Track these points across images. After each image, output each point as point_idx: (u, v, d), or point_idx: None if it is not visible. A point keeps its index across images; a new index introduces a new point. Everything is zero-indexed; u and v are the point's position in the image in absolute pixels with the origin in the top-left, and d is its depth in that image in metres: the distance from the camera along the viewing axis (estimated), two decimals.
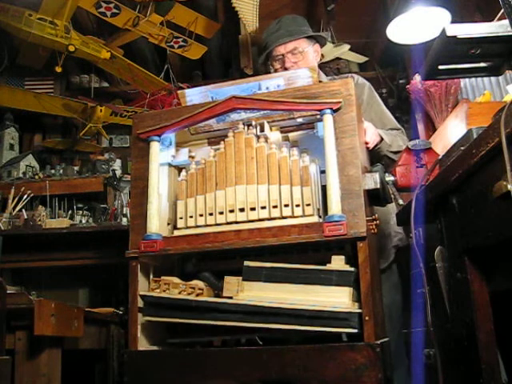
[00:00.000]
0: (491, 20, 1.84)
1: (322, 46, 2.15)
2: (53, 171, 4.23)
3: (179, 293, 1.34)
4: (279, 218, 1.32)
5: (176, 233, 1.41)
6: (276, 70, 2.07)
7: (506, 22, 1.04)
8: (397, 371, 1.67)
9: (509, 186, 0.83)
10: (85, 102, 4.15)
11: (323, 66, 4.05)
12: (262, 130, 1.43)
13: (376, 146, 1.78)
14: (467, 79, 2.63)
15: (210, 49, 4.30)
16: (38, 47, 3.74)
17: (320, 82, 2.01)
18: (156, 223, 1.39)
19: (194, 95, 1.52)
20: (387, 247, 1.98)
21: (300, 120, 1.47)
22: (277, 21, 2.08)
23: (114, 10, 3.58)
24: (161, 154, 1.47)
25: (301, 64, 2.01)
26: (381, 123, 1.99)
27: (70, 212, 3.83)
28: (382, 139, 1.80)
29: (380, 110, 2.05)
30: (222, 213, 1.36)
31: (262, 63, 2.17)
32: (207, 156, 1.45)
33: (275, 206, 1.32)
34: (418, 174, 1.47)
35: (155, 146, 1.45)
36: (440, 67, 1.22)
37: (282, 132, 1.49)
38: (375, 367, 1.16)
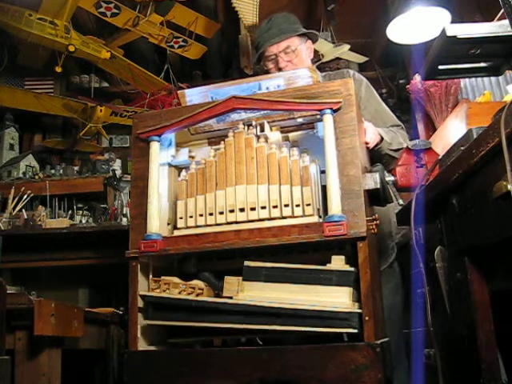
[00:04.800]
0: (491, 20, 1.85)
1: (313, 42, 2.14)
2: (53, 171, 4.24)
3: (179, 293, 1.34)
4: (279, 218, 1.32)
5: (176, 233, 1.41)
6: (269, 70, 2.05)
7: (506, 22, 1.05)
8: (396, 372, 1.67)
9: (509, 186, 0.83)
10: (85, 102, 4.15)
11: (323, 66, 4.05)
12: (262, 129, 1.43)
13: (376, 145, 1.78)
14: (467, 79, 2.63)
15: (210, 49, 4.30)
16: (38, 47, 3.75)
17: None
18: (156, 223, 1.39)
19: (193, 95, 1.52)
20: (388, 247, 1.98)
21: (300, 120, 1.47)
22: (267, 20, 2.05)
23: (114, 10, 3.58)
24: (161, 154, 1.47)
25: (295, 62, 1.99)
26: (381, 121, 1.98)
27: (69, 212, 3.84)
28: (382, 139, 1.80)
29: (380, 107, 2.03)
30: (222, 213, 1.36)
31: (255, 63, 2.15)
32: (207, 156, 1.45)
33: (275, 206, 1.32)
34: (418, 174, 1.47)
35: (155, 146, 1.45)
36: (440, 67, 1.22)
37: (282, 132, 1.49)
38: (375, 367, 1.16)
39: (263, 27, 2.04)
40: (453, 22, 2.43)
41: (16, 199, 3.35)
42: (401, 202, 1.59)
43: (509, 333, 1.21)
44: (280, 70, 1.99)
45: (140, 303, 1.37)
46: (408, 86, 3.08)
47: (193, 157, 1.52)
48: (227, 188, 1.37)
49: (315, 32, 2.15)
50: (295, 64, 1.99)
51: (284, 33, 1.99)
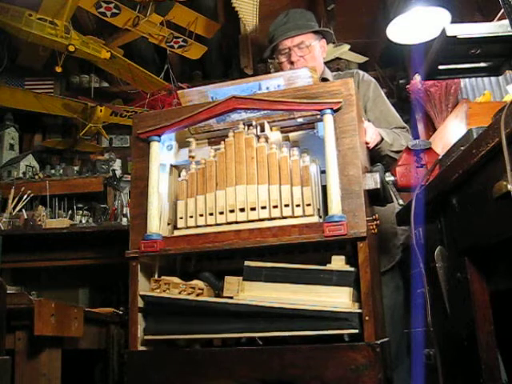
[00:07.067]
0: (491, 20, 1.85)
1: (328, 42, 2.16)
2: (53, 171, 4.24)
3: (179, 293, 1.34)
4: (279, 218, 1.32)
5: (176, 233, 1.41)
6: (281, 64, 2.07)
7: (506, 22, 1.05)
8: (397, 371, 1.67)
9: (509, 186, 0.83)
10: (85, 102, 4.15)
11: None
12: (263, 129, 1.43)
13: (376, 145, 1.78)
14: (467, 79, 2.63)
15: (210, 49, 4.29)
16: (38, 47, 3.74)
17: (325, 78, 2.02)
18: (156, 223, 1.39)
19: (193, 95, 1.52)
20: (393, 247, 1.97)
21: (300, 120, 1.47)
22: (284, 14, 2.07)
23: (114, 10, 3.57)
24: (161, 154, 1.47)
25: (307, 58, 2.01)
26: (386, 122, 1.98)
27: (69, 212, 3.84)
28: (382, 139, 1.80)
29: (386, 109, 2.04)
30: (222, 213, 1.36)
31: (267, 56, 2.16)
32: (207, 156, 1.45)
33: (275, 206, 1.32)
34: (418, 174, 1.47)
35: (155, 146, 1.45)
36: (440, 67, 1.22)
37: (282, 132, 1.49)
38: (375, 367, 1.16)
39: (279, 20, 2.06)
40: (453, 22, 2.43)
41: (16, 199, 3.35)
42: (401, 201, 1.59)
43: (509, 333, 1.21)
44: (292, 63, 2.02)
45: (140, 303, 1.37)
46: (408, 86, 3.08)
47: (193, 157, 1.52)
48: (227, 188, 1.37)
49: (331, 31, 2.16)
50: (307, 60, 2.01)
51: (300, 28, 2.02)
